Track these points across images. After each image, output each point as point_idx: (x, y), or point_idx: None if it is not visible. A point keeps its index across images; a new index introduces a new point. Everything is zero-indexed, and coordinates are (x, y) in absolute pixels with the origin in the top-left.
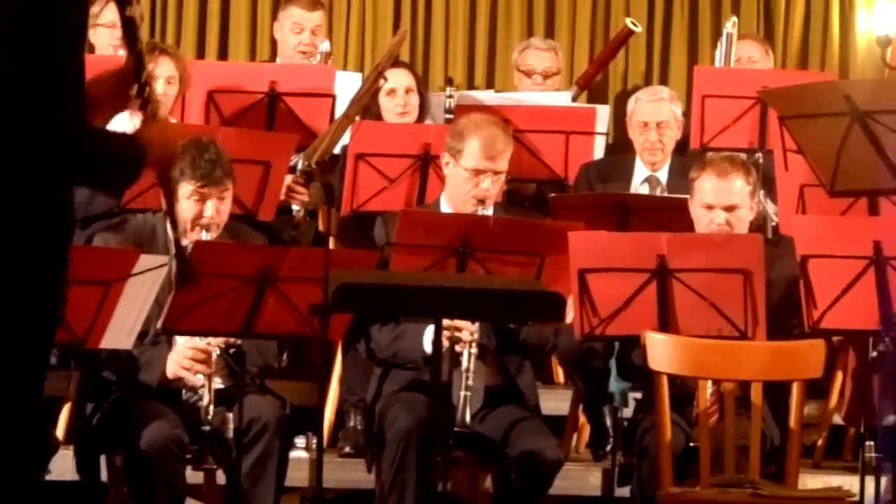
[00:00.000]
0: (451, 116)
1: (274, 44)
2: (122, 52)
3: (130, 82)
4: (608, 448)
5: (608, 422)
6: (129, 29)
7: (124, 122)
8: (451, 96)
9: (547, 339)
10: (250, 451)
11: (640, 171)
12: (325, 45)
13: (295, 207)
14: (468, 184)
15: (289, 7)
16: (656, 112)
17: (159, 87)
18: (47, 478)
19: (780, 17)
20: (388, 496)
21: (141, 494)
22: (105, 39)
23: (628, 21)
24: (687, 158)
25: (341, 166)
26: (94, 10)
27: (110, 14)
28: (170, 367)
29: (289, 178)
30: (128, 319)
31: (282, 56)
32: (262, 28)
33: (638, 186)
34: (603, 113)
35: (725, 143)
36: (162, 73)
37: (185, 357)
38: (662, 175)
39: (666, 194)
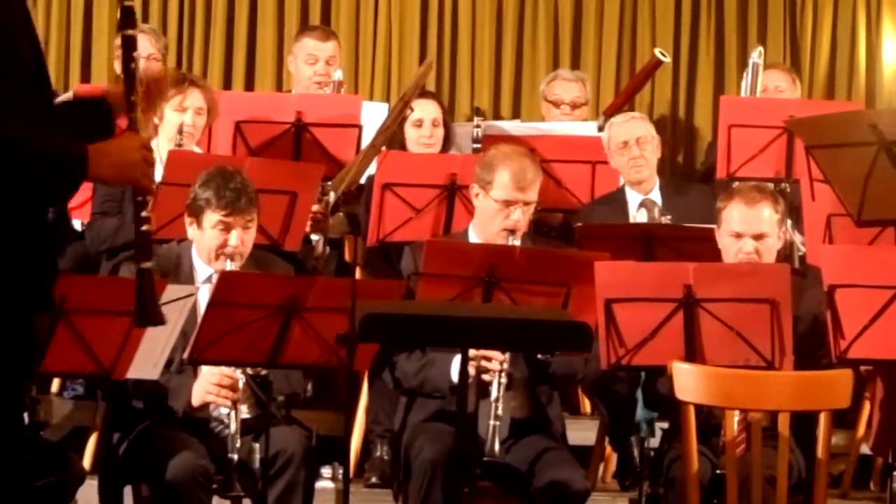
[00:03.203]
0: (479, 146)
1: None
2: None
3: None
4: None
5: (634, 451)
6: (128, 46)
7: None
8: (478, 126)
9: (576, 370)
10: (276, 482)
11: (633, 198)
12: (337, 75)
13: (314, 238)
14: (499, 215)
15: (302, 38)
16: (631, 130)
17: (188, 118)
18: None
19: (807, 47)
20: None
21: None
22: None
23: (657, 51)
24: (715, 187)
25: (367, 196)
26: (118, 39)
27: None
28: (196, 394)
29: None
30: (154, 350)
31: (297, 87)
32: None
33: (635, 214)
34: None
35: (752, 173)
36: (190, 104)
37: (211, 383)
38: (655, 196)
39: (668, 216)
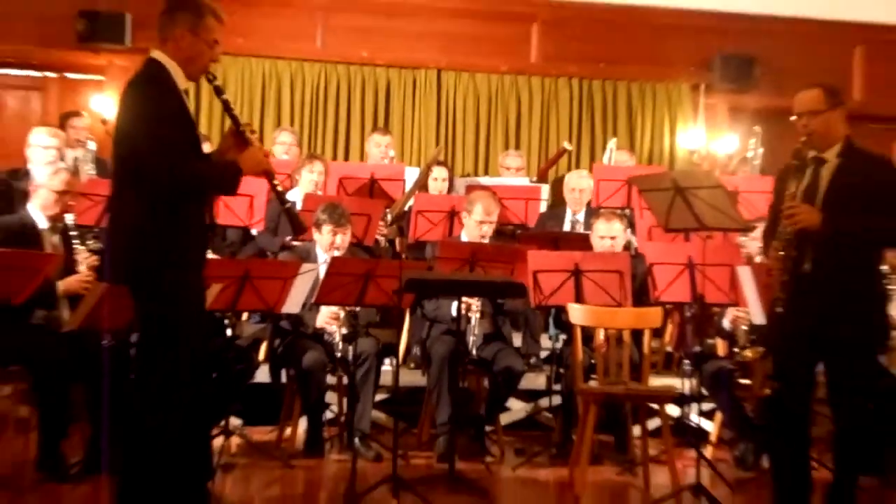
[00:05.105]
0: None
1: None
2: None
3: (237, 138)
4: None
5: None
6: (227, 106)
7: (298, 193)
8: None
9: (518, 308)
10: (360, 367)
11: (568, 216)
12: (391, 153)
13: (380, 238)
14: (477, 229)
15: (373, 134)
16: (580, 182)
17: (314, 177)
18: (253, 381)
19: (638, 138)
20: (433, 390)
21: (304, 390)
22: (280, 151)
23: (565, 143)
24: (594, 211)
25: (409, 217)
26: (275, 133)
27: (284, 136)
28: (318, 321)
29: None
30: (296, 297)
31: (371, 160)
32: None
33: (567, 227)
34: (545, 190)
35: (610, 204)
36: (315, 169)
37: (326, 316)
38: (580, 217)
39: (583, 229)
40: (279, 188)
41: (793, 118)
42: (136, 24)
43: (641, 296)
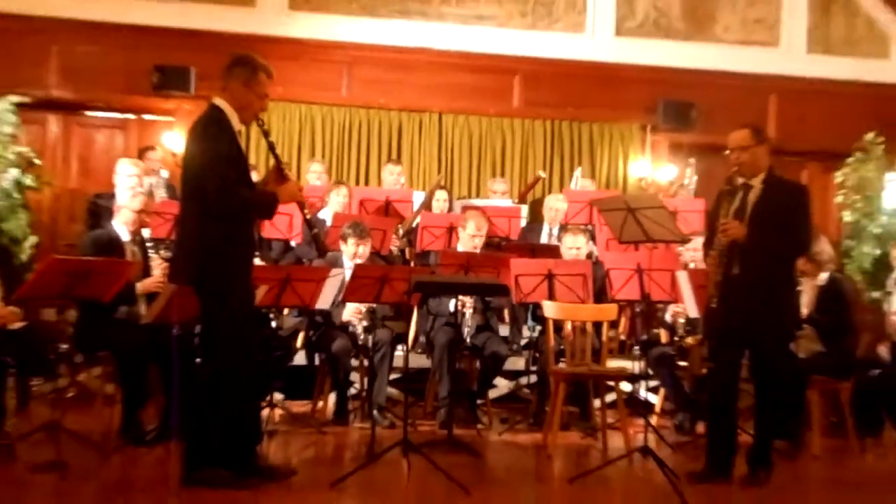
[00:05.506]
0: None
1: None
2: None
3: (277, 174)
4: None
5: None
6: (272, 147)
7: (328, 213)
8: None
9: (503, 304)
10: (378, 352)
11: (546, 231)
12: (402, 179)
13: (393, 249)
14: (470, 241)
15: (387, 164)
16: (557, 203)
17: (340, 199)
18: (293, 363)
19: (598, 167)
20: (435, 371)
21: (333, 371)
22: (313, 178)
23: (540, 172)
24: (564, 227)
25: (416, 231)
26: (309, 164)
27: (316, 166)
28: (345, 315)
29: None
30: (327, 296)
31: (385, 185)
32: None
33: (545, 239)
34: (524, 209)
35: (578, 221)
36: (341, 193)
37: (351, 311)
38: (555, 232)
39: (556, 242)
40: (308, 216)
41: (726, 152)
42: (199, 76)
43: (601, 295)
